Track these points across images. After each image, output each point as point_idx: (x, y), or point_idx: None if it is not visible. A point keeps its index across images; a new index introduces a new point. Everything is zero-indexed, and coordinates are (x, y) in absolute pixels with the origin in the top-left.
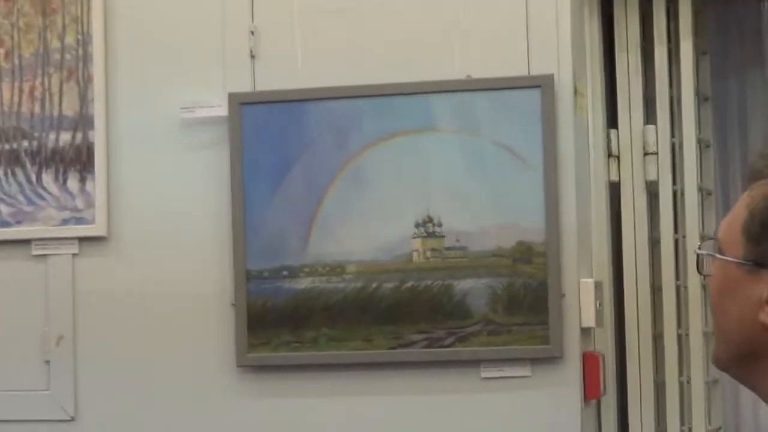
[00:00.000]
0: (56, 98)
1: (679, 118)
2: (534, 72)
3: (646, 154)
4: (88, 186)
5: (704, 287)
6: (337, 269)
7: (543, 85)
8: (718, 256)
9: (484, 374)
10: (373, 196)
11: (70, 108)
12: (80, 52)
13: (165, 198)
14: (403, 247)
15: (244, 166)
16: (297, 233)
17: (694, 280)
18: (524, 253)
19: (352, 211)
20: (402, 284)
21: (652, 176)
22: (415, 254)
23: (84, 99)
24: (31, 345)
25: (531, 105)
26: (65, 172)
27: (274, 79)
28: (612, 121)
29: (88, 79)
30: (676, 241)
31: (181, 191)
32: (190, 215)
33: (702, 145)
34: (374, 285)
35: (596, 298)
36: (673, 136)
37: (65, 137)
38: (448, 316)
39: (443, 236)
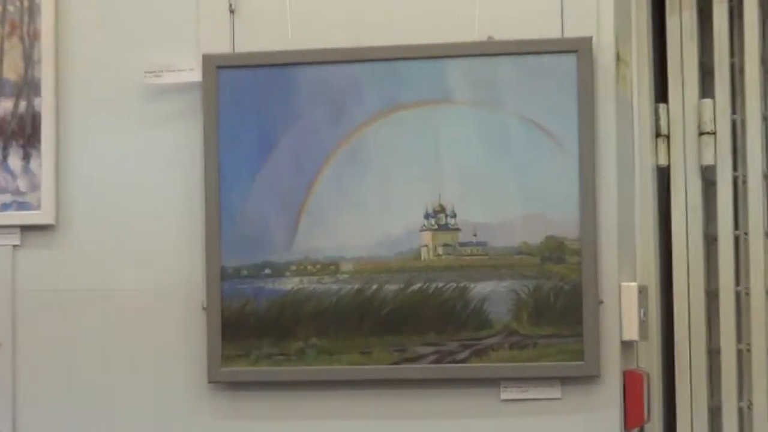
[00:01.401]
0: None
1: (741, 91)
2: (569, 34)
3: (701, 133)
4: (33, 164)
5: None
6: (330, 267)
7: (579, 49)
8: None
9: (504, 395)
10: (373, 181)
11: (12, 70)
12: (25, 2)
13: (125, 180)
14: (410, 242)
15: (220, 142)
16: (282, 223)
17: (757, 285)
18: (555, 250)
19: (348, 198)
20: (407, 286)
21: (708, 160)
22: (423, 250)
23: (29, 60)
24: None
25: (564, 73)
26: (5, 148)
27: (256, 38)
28: (661, 94)
29: (34, 36)
30: (737, 238)
31: (144, 172)
32: (154, 201)
33: None
34: (374, 287)
35: (640, 306)
36: (733, 112)
37: (6, 105)
38: (462, 326)
39: (458, 229)
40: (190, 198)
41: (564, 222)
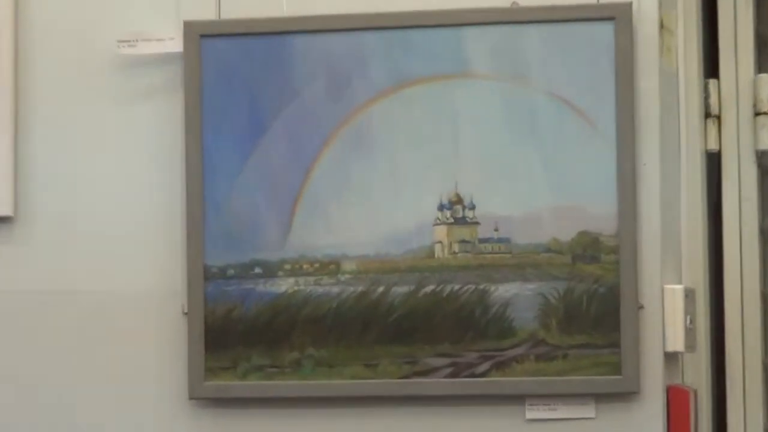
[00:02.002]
0: None
1: None
2: None
3: (757, 114)
4: None
5: None
6: (329, 267)
7: (617, 17)
8: None
9: (530, 414)
10: (380, 167)
11: None
12: None
13: (94, 166)
14: (422, 238)
15: (204, 123)
16: (275, 216)
17: None
18: (588, 247)
19: (351, 188)
20: (419, 289)
21: (764, 144)
22: (437, 247)
23: None
24: None
25: (600, 44)
26: None
27: (246, 3)
28: (711, 68)
29: None
30: None
31: (115, 157)
32: (127, 190)
33: None
34: (380, 289)
35: (686, 312)
36: None
37: None
38: (481, 334)
39: (477, 223)
40: (168, 187)
41: (599, 215)
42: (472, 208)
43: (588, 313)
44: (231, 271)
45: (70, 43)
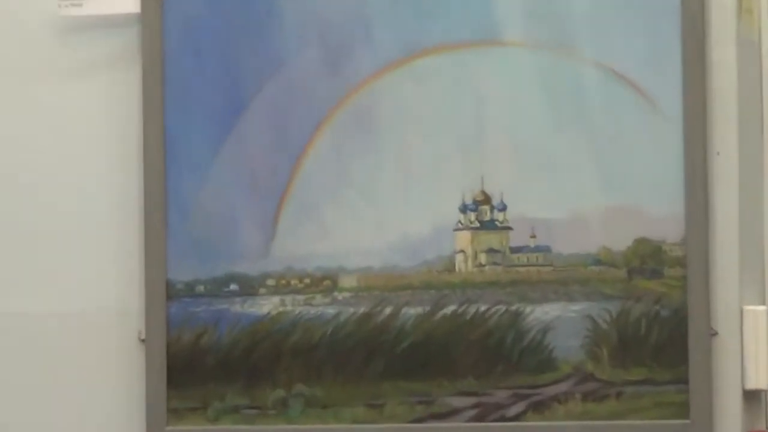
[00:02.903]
0: None
1: None
2: None
3: None
4: None
5: None
6: (323, 283)
7: None
8: None
9: None
10: (387, 158)
11: None
12: None
13: (30, 156)
14: (439, 247)
15: (167, 101)
16: (256, 219)
17: None
18: (648, 259)
19: (351, 183)
20: (435, 310)
21: None
22: (459, 258)
23: None
24: None
25: (663, 7)
26: None
27: None
28: None
29: None
30: None
31: (57, 145)
32: (72, 187)
33: None
34: (387, 311)
35: None
36: None
37: None
38: (514, 367)
39: (508, 228)
40: (123, 183)
41: (662, 218)
42: (503, 209)
43: (648, 341)
44: (200, 288)
45: (1, 3)
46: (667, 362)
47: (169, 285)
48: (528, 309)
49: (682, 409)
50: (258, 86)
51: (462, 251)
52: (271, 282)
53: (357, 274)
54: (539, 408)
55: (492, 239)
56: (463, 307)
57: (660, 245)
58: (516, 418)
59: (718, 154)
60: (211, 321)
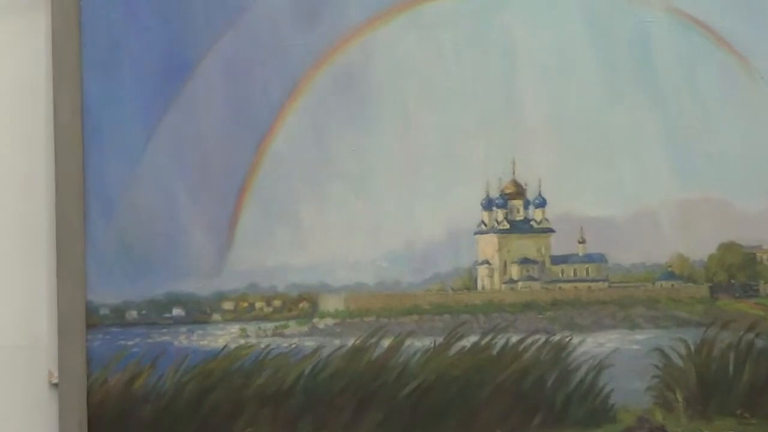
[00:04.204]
0: None
1: None
2: None
3: None
4: None
5: None
6: (299, 305)
7: None
8: None
9: None
10: (383, 137)
11: None
12: None
13: None
14: (455, 256)
15: (86, 65)
16: (206, 222)
17: None
18: (739, 271)
19: (335, 171)
20: (450, 342)
21: None
22: (482, 272)
23: None
24: None
25: None
26: None
27: None
28: None
29: None
30: None
31: None
32: None
33: None
34: (386, 343)
35: None
36: None
37: None
38: (557, 419)
39: (549, 230)
40: (26, 173)
41: (757, 217)
42: (541, 204)
43: (738, 382)
44: (132, 314)
45: None
46: (765, 411)
47: (89, 310)
48: (575, 340)
49: None
50: (209, 41)
51: (486, 262)
52: (227, 305)
53: (344, 294)
54: None
55: (527, 246)
56: (488, 338)
57: (753, 253)
58: None
59: None
60: (148, 358)
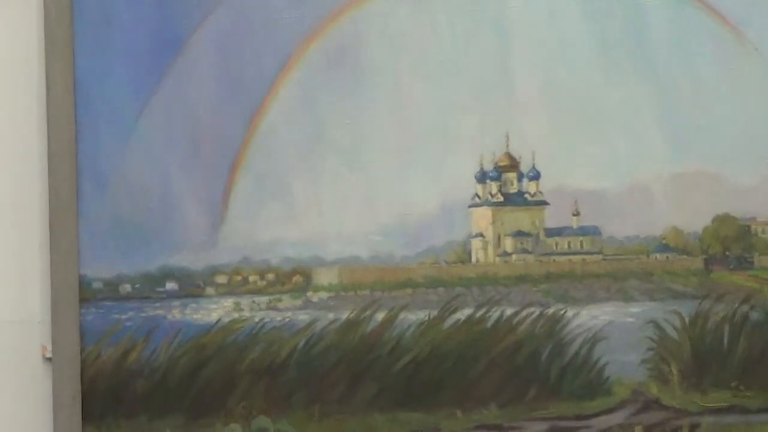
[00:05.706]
0: None
1: None
2: None
3: None
4: None
5: None
6: (293, 279)
7: None
8: None
9: None
10: (377, 110)
11: None
12: None
13: None
14: (449, 229)
15: (77, 34)
16: (199, 195)
17: None
18: (734, 244)
19: (328, 144)
20: (444, 315)
21: None
22: (476, 245)
23: None
24: None
25: None
26: None
27: None
28: None
29: None
30: None
31: None
32: None
33: None
34: (380, 317)
35: None
36: None
37: None
38: (552, 391)
39: (543, 203)
40: (18, 144)
41: (751, 190)
42: (536, 177)
43: (733, 355)
44: (126, 288)
45: None
46: (760, 382)
47: (82, 283)
48: (570, 312)
49: None
50: (201, 15)
51: (480, 235)
52: (221, 279)
53: (338, 267)
54: None
55: (521, 218)
56: (482, 311)
57: (748, 225)
58: None
59: None
60: (142, 332)
